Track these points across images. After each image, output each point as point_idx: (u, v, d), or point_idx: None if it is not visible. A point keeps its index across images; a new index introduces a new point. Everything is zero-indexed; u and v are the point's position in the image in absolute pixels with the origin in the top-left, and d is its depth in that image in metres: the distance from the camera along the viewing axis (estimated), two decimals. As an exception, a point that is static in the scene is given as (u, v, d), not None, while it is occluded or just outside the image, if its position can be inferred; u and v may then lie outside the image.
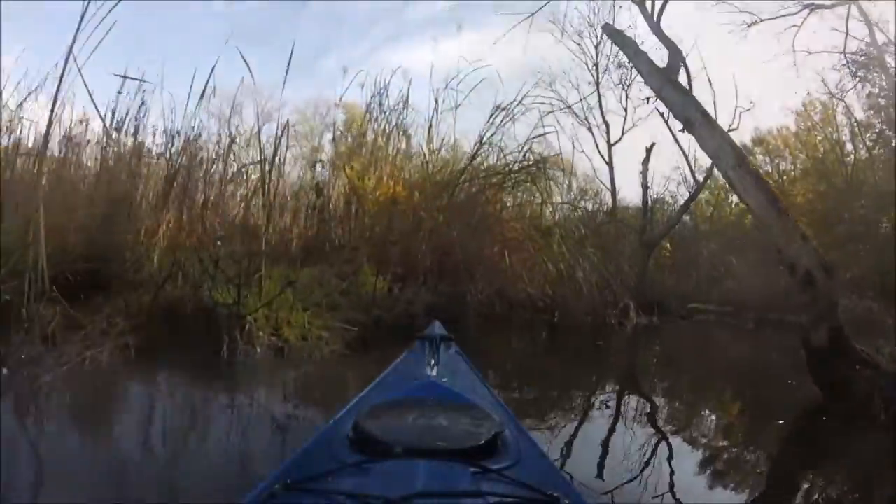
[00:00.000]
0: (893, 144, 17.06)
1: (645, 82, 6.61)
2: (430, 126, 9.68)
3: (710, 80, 12.86)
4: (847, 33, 14.68)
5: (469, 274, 8.76)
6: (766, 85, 32.34)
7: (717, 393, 6.60)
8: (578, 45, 18.84)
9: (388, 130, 9.86)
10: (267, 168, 7.61)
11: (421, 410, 1.42)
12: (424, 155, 10.09)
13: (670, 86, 6.07)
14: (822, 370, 4.98)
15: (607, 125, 19.44)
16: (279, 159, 8.04)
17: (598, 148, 19.84)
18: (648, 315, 12.48)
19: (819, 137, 21.65)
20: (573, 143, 23.25)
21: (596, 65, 19.11)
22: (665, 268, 21.10)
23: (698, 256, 22.82)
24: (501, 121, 9.52)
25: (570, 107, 17.91)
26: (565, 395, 5.63)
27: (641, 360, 8.87)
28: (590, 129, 19.51)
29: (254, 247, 6.49)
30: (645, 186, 17.82)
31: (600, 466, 3.46)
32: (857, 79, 16.16)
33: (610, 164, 19.37)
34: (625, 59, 17.96)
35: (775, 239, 5.50)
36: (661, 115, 18.01)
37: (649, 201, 18.55)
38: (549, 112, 12.28)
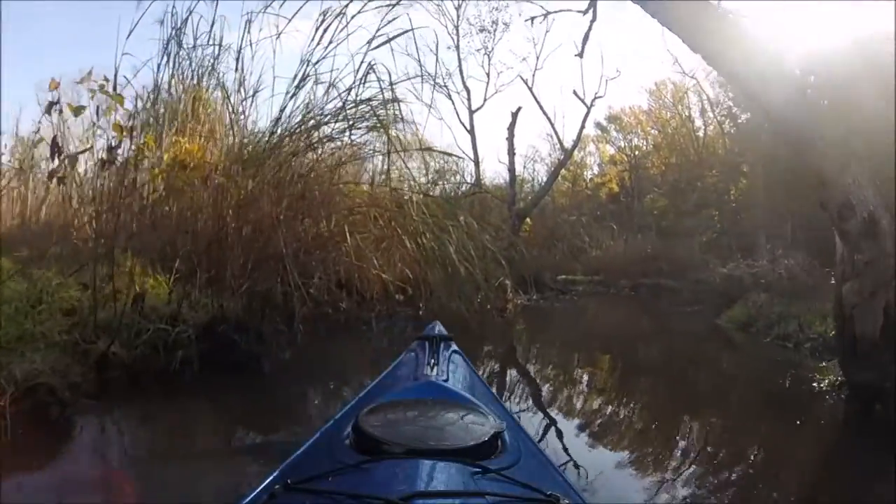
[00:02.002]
0: (740, 120, 18.04)
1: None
2: (239, 60, 6.98)
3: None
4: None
5: (297, 264, 6.47)
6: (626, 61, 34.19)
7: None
8: (438, 6, 17.41)
9: (186, 73, 7.05)
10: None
11: (421, 410, 1.39)
12: (231, 105, 7.35)
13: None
14: (867, 368, 3.38)
15: (468, 91, 18.52)
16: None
17: (458, 115, 20.08)
18: (526, 293, 11.29)
19: (669, 115, 22.91)
20: (430, 109, 22.36)
21: (457, 27, 18.25)
22: (528, 242, 20.83)
23: (558, 229, 22.75)
24: (333, 39, 6.93)
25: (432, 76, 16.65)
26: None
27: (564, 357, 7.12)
28: (449, 96, 18.79)
29: None
30: (511, 153, 16.50)
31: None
32: None
33: (472, 131, 18.38)
34: (488, 23, 18.64)
35: (823, 167, 3.71)
36: (525, 81, 18.14)
37: (516, 169, 17.62)
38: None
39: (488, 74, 18.66)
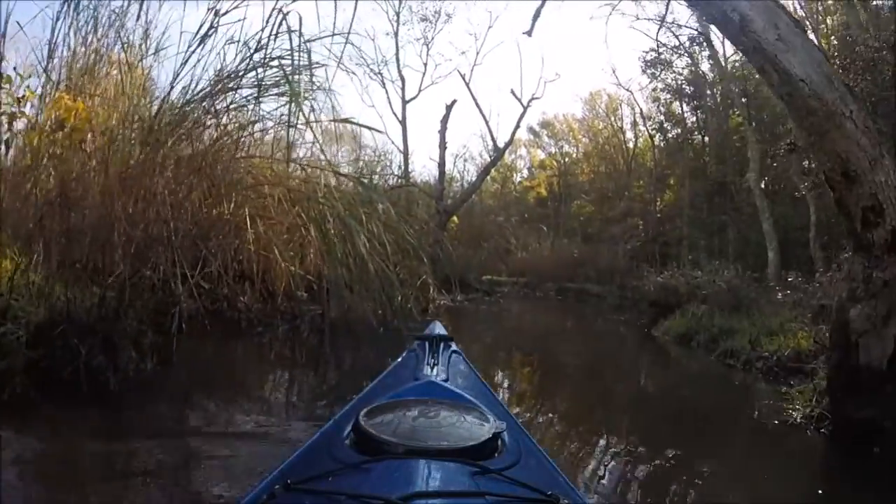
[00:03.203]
0: (670, 134, 18.95)
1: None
2: (141, 10, 5.72)
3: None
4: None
5: (190, 251, 5.42)
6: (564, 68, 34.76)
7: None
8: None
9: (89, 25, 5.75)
10: None
11: (421, 410, 1.37)
12: (127, 63, 6.10)
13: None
14: (868, 404, 2.77)
15: (403, 80, 17.66)
16: None
17: (390, 104, 19.17)
18: (450, 293, 10.67)
19: (602, 125, 23.48)
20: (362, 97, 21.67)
21: (398, 14, 17.39)
22: (454, 240, 20.77)
23: (485, 229, 22.86)
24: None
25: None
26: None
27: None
28: (383, 84, 17.98)
29: None
30: (442, 147, 15.75)
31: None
32: (647, 74, 17.58)
33: (403, 122, 17.53)
34: (430, 13, 18.08)
35: (849, 157, 3.00)
36: (462, 76, 17.62)
37: (447, 166, 17.05)
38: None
39: (425, 65, 17.84)
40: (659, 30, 16.35)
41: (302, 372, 4.75)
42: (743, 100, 13.68)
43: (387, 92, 19.08)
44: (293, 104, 5.52)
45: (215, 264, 5.81)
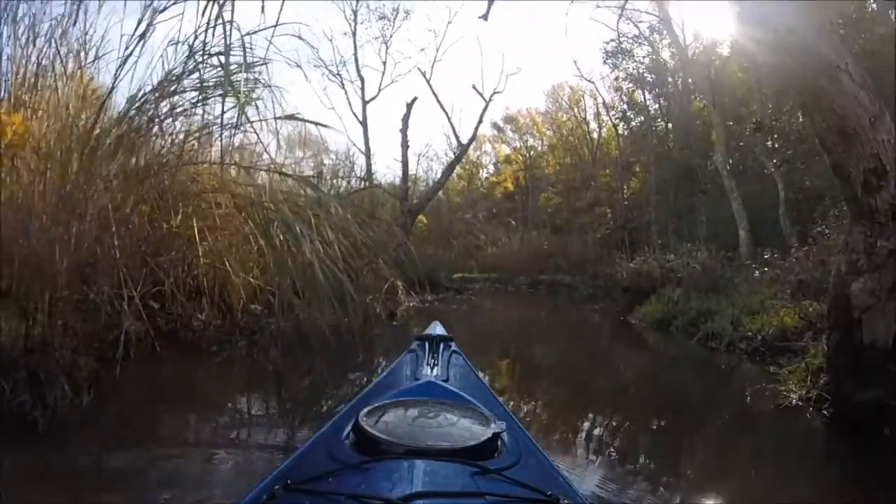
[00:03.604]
0: (633, 123, 19.13)
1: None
2: (80, 12, 5.25)
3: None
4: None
5: (140, 270, 5.08)
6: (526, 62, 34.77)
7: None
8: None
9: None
10: None
11: (421, 410, 1.37)
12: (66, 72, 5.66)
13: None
14: (874, 384, 2.57)
15: (362, 80, 17.34)
16: None
17: (350, 106, 18.84)
18: (419, 294, 10.45)
19: (566, 117, 23.69)
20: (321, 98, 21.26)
21: (355, 13, 17.05)
22: (423, 240, 20.69)
23: (454, 227, 22.86)
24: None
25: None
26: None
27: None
28: (342, 85, 17.84)
29: None
30: (405, 145, 15.36)
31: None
32: (608, 64, 17.88)
33: (364, 123, 17.17)
34: (388, 10, 17.76)
35: (847, 114, 2.76)
36: (423, 73, 17.30)
37: (411, 166, 16.82)
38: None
39: (385, 63, 17.62)
40: (619, 19, 16.58)
41: (257, 393, 4.36)
42: (711, 78, 13.65)
43: (346, 93, 18.92)
44: (234, 101, 5.15)
45: (168, 281, 5.42)
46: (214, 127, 6.10)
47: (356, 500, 1.01)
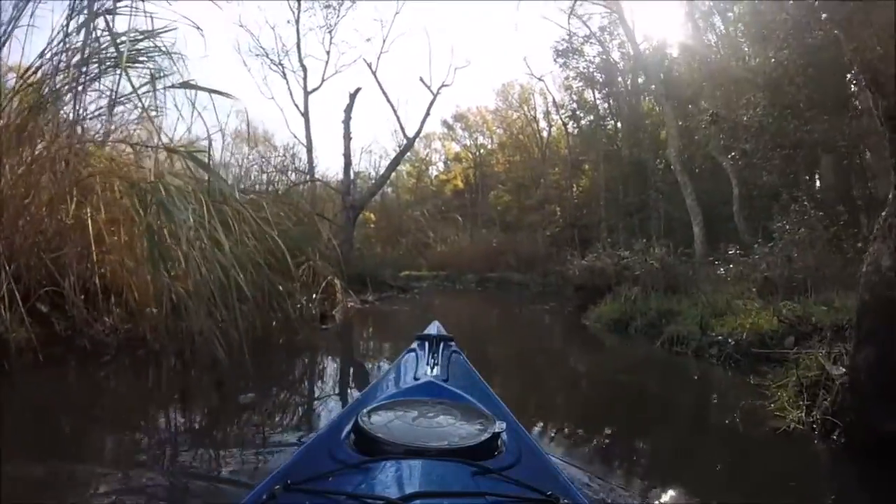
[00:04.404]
0: (583, 121, 18.91)
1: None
2: None
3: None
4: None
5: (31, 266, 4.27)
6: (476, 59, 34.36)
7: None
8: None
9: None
10: None
11: (421, 410, 1.33)
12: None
13: None
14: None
15: (305, 70, 16.38)
16: None
17: (291, 96, 17.87)
18: (360, 294, 9.86)
19: (515, 115, 23.61)
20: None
21: (298, 0, 16.00)
22: (371, 237, 20.28)
23: (402, 225, 22.70)
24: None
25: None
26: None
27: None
28: (283, 75, 16.74)
29: None
30: (347, 137, 14.49)
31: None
32: (558, 63, 17.73)
33: (306, 114, 16.14)
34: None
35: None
36: (369, 65, 16.49)
37: (356, 163, 16.02)
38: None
39: (328, 53, 16.65)
40: (569, 17, 16.29)
41: (145, 415, 3.49)
42: (661, 76, 13.44)
43: (287, 83, 17.38)
44: (121, 70, 4.28)
45: (68, 280, 4.54)
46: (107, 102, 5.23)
47: (356, 500, 0.98)
